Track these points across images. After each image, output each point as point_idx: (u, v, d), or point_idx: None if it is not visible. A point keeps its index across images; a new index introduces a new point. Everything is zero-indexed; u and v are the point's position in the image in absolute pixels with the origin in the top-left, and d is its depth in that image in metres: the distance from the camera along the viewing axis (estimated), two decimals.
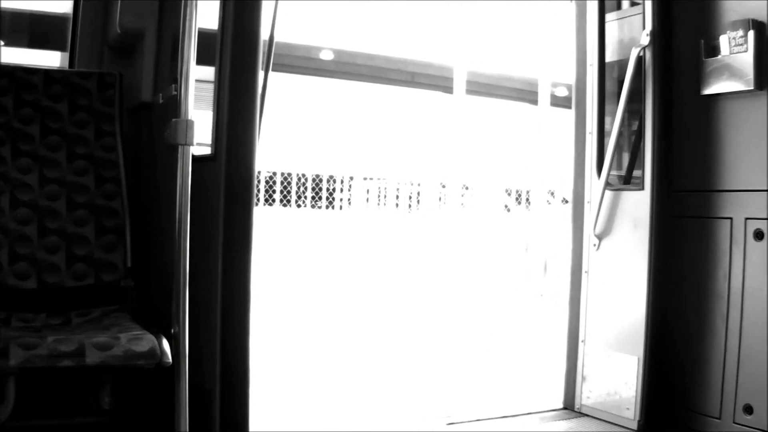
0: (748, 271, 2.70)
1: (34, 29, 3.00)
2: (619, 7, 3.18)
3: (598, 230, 3.09)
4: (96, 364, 1.79)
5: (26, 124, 2.37)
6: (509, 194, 12.52)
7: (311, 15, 11.32)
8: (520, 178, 12.70)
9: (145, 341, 1.85)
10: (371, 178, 11.35)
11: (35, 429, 2.11)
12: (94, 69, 2.62)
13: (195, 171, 1.96)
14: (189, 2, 1.92)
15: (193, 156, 1.96)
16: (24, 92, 2.39)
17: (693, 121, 2.92)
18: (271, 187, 11.49)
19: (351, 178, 11.32)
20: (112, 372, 1.96)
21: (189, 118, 1.94)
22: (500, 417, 3.17)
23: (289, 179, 11.70)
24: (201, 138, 2.04)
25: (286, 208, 11.46)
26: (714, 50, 2.78)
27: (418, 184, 11.49)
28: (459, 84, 12.04)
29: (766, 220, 2.66)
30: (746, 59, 2.67)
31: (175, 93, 2.04)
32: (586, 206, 3.17)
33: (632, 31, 3.04)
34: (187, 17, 1.93)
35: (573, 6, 3.25)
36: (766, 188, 2.65)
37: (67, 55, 2.71)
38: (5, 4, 2.61)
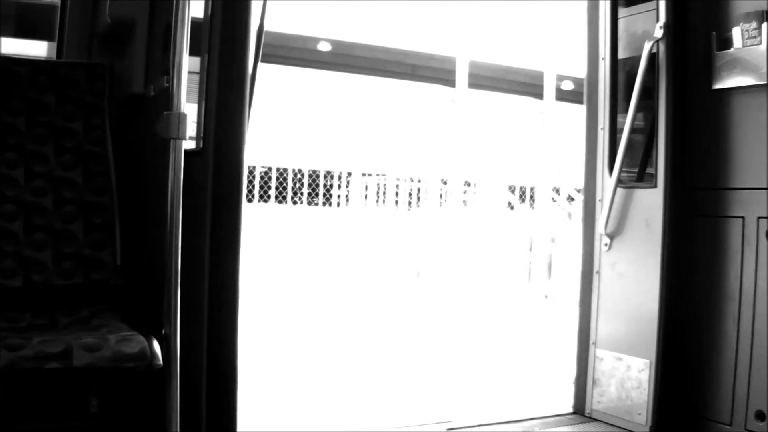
0: (761, 272, 2.70)
1: (21, 18, 2.99)
2: (632, 1, 3.17)
3: (609, 229, 3.08)
4: (84, 366, 1.79)
5: (12, 117, 2.37)
6: (513, 191, 12.52)
7: (308, 4, 11.30)
8: (524, 174, 12.69)
9: (134, 342, 1.84)
10: (370, 174, 11.35)
11: None
12: (82, 60, 2.62)
13: None
14: None
15: None
16: (10, 84, 2.39)
17: (704, 116, 2.91)
18: (266, 183, 11.48)
19: (349, 174, 11.31)
20: (101, 374, 1.95)
21: (181, 111, 1.94)
22: (505, 422, 3.17)
23: (284, 175, 11.69)
24: (187, 131, 2.03)
25: (281, 204, 11.45)
26: (726, 43, 2.78)
27: (419, 181, 11.49)
28: (461, 77, 12.02)
29: None
30: (760, 52, 2.67)
31: (167, 85, 2.03)
32: (597, 204, 3.17)
33: (645, 25, 3.04)
34: (180, 6, 1.92)
35: None
36: None
37: (54, 45, 2.71)
38: None
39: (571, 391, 3.29)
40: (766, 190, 2.69)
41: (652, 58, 2.93)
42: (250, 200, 11.07)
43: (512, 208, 11.82)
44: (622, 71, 3.16)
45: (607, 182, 3.11)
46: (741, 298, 2.75)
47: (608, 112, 3.16)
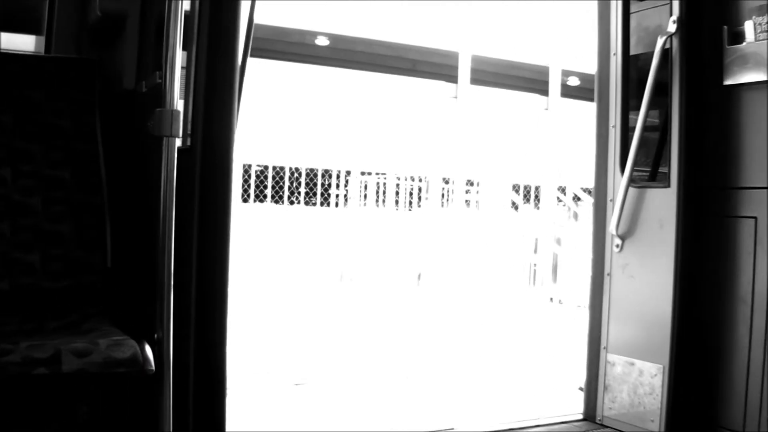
0: None
1: (7, 11, 2.98)
2: None
3: (621, 230, 3.08)
4: (73, 371, 1.78)
5: None
6: (517, 191, 12.51)
7: None
8: (529, 173, 12.69)
9: (126, 347, 1.84)
10: (369, 173, 11.35)
11: None
12: (71, 55, 2.61)
13: None
14: None
15: None
16: None
17: (714, 113, 2.91)
18: (262, 182, 11.48)
19: (348, 173, 11.31)
20: (91, 380, 1.95)
21: (175, 107, 1.93)
22: (510, 429, 3.17)
23: (281, 174, 11.69)
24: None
25: (278, 205, 11.45)
26: (738, 37, 2.78)
27: (420, 180, 11.48)
28: (463, 72, 12.01)
29: None
30: None
31: (160, 81, 2.02)
32: (609, 205, 3.17)
33: (657, 20, 3.03)
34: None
35: None
36: None
37: (42, 39, 2.70)
38: None
39: (579, 397, 3.29)
40: None
41: (665, 53, 2.92)
42: (245, 200, 11.07)
43: (516, 208, 11.82)
44: (633, 67, 3.16)
45: (618, 182, 3.10)
46: (753, 302, 2.75)
47: (620, 109, 3.15)
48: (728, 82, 2.81)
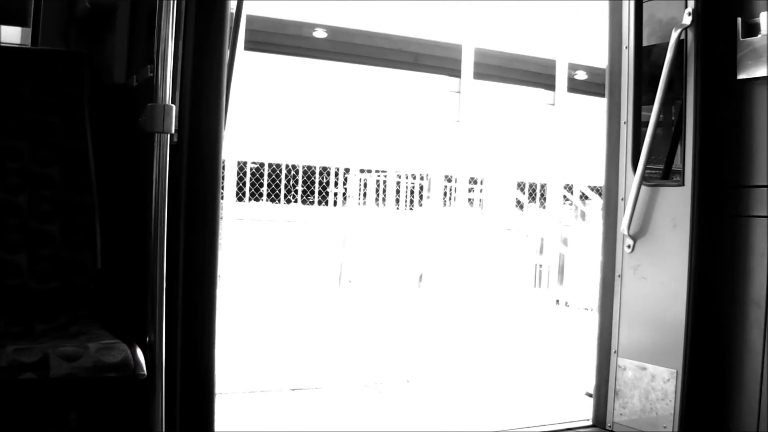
0: None
1: None
2: None
3: (632, 230, 3.07)
4: (62, 376, 1.78)
5: None
6: (522, 189, 12.51)
7: None
8: (534, 171, 12.68)
9: (116, 351, 1.84)
10: (369, 171, 11.34)
11: None
12: (60, 48, 2.61)
13: None
14: None
15: None
16: None
17: (727, 108, 2.90)
18: (257, 180, 11.48)
19: (347, 171, 11.31)
20: (80, 385, 1.95)
21: (167, 102, 1.93)
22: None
23: (278, 171, 11.69)
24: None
25: (274, 204, 11.45)
26: (753, 29, 2.77)
27: (421, 178, 11.48)
28: (467, 65, 12.01)
29: None
30: None
31: (152, 75, 2.02)
32: (620, 204, 3.16)
33: (671, 11, 3.02)
34: None
35: None
36: None
37: (29, 31, 2.69)
38: None
39: (587, 403, 3.28)
40: None
41: (680, 46, 2.90)
42: (240, 199, 11.07)
43: (522, 207, 11.82)
44: (646, 61, 3.14)
45: (630, 180, 3.08)
46: (767, 305, 2.74)
47: (632, 104, 3.13)
48: (742, 76, 2.80)
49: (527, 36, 12.90)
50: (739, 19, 2.79)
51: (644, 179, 3.02)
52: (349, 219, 10.65)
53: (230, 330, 5.25)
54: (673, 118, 3.09)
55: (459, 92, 12.92)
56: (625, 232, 3.08)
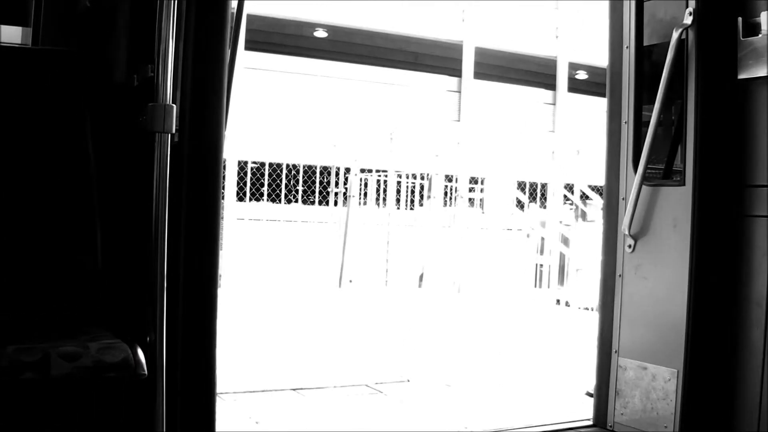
0: None
1: None
2: None
3: (633, 230, 3.07)
4: (62, 376, 1.78)
5: None
6: (522, 189, 12.51)
7: None
8: (535, 170, 12.68)
9: (117, 351, 1.84)
10: (370, 171, 11.35)
11: None
12: (60, 47, 2.61)
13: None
14: None
15: None
16: None
17: (728, 108, 2.90)
18: (258, 179, 11.48)
19: (347, 171, 11.31)
20: (81, 385, 1.95)
21: (168, 102, 1.93)
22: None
23: (278, 171, 11.69)
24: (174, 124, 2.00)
25: (275, 204, 11.45)
26: (754, 29, 2.77)
27: (422, 177, 11.48)
28: (467, 64, 12.02)
29: None
30: None
31: (152, 74, 2.02)
32: (620, 203, 3.16)
33: (672, 11, 3.01)
34: None
35: None
36: None
37: (29, 30, 2.69)
38: None
39: (587, 402, 3.28)
40: None
41: (681, 46, 2.90)
42: (241, 199, 11.07)
43: (522, 207, 11.82)
44: (647, 61, 3.13)
45: (631, 179, 3.08)
46: None
47: (632, 104, 3.13)
48: (742, 76, 2.80)
49: (528, 35, 12.91)
50: (740, 19, 2.79)
51: (645, 179, 3.02)
52: (349, 219, 10.65)
53: (231, 330, 5.26)
54: (673, 117, 3.09)
55: (459, 92, 12.91)
56: (626, 232, 3.08)
